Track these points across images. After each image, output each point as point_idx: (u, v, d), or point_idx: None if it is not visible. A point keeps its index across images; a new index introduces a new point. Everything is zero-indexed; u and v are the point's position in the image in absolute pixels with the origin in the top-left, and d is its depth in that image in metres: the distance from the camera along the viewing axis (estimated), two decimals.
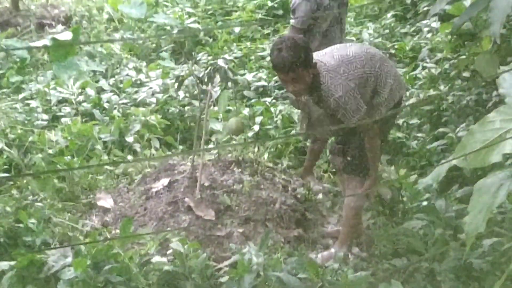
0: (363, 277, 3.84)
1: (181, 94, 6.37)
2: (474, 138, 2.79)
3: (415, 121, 5.58)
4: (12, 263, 3.95)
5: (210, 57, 6.93)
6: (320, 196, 5.05)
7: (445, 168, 3.22)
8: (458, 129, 5.19)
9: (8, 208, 4.52)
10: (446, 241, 4.12)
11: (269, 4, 8.45)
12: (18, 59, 7.17)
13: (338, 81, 3.74)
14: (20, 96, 6.44)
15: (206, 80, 4.94)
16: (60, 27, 8.35)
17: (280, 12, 8.40)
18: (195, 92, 6.21)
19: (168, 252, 4.05)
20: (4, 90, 6.85)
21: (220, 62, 4.98)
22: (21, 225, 4.40)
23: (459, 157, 2.83)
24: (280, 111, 5.89)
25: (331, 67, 3.78)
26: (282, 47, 3.61)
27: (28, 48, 7.34)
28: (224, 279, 3.89)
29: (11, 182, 4.94)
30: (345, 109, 3.75)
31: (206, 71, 4.97)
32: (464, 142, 2.83)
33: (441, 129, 5.37)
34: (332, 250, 4.35)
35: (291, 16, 5.21)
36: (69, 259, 3.88)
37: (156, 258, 3.96)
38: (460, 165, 3.01)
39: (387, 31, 7.19)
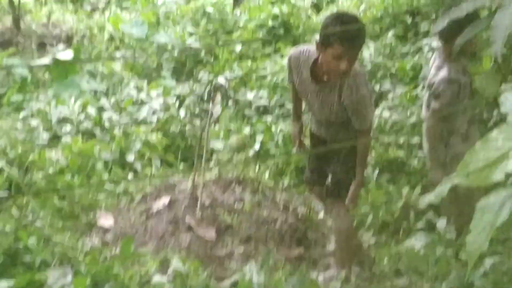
0: None
1: (182, 113, 6.38)
2: (476, 156, 2.78)
3: (416, 140, 5.58)
4: (11, 282, 3.94)
5: (211, 76, 6.94)
6: (321, 215, 5.03)
7: (447, 187, 3.21)
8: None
9: (7, 227, 4.51)
10: (448, 260, 4.11)
11: (270, 23, 8.48)
12: (19, 78, 7.19)
13: (365, 83, 3.83)
14: (21, 115, 6.44)
15: (206, 99, 4.97)
16: (61, 46, 8.36)
17: (281, 31, 8.42)
18: (196, 111, 6.23)
19: (169, 271, 4.04)
20: (5, 109, 6.86)
21: (221, 81, 5.00)
22: (20, 244, 4.39)
23: (460, 175, 2.82)
24: (281, 130, 5.90)
25: (360, 70, 3.86)
26: (353, 18, 3.65)
27: (29, 67, 7.36)
28: None
29: (11, 201, 4.93)
30: (365, 109, 3.82)
31: (207, 90, 5.00)
32: (466, 161, 2.82)
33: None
34: (333, 270, 4.33)
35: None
36: (68, 279, 3.87)
37: (156, 278, 3.95)
38: (462, 184, 3.00)
39: (387, 50, 7.21)
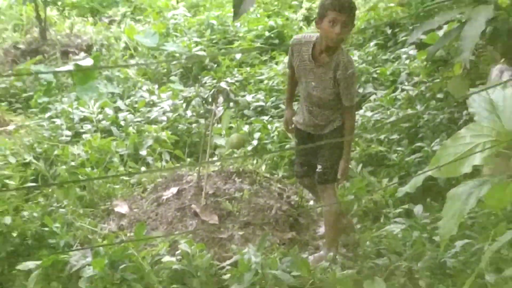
0: (349, 275, 3.84)
1: (189, 113, 6.37)
2: (447, 151, 2.79)
3: (395, 136, 5.57)
4: (38, 262, 3.94)
5: (214, 81, 6.92)
6: (312, 202, 5.03)
7: (421, 178, 3.20)
8: (433, 143, 5.19)
9: (35, 214, 4.52)
10: (423, 242, 4.11)
11: (266, 34, 8.48)
12: (45, 82, 7.18)
13: (353, 66, 4.03)
14: (47, 115, 6.44)
15: (210, 100, 4.95)
16: (82, 54, 8.36)
17: (276, 41, 8.42)
18: (201, 111, 6.22)
19: (177, 252, 4.03)
20: (33, 109, 6.85)
21: (223, 84, 4.99)
22: (46, 228, 4.39)
23: (434, 168, 2.82)
24: (276, 127, 5.89)
25: (350, 57, 4.07)
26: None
27: (54, 73, 7.35)
28: (226, 276, 3.88)
29: (38, 191, 4.94)
30: (353, 85, 3.98)
31: (211, 93, 4.98)
32: (438, 155, 2.82)
33: (418, 144, 5.37)
34: (322, 252, 4.33)
35: None
36: (88, 259, 3.87)
37: (166, 258, 3.95)
38: (435, 175, 3.00)
39: (370, 58, 7.19)
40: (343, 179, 4.33)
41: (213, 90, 4.99)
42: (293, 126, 4.43)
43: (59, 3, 9.60)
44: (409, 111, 5.87)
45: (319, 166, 4.19)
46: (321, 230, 4.68)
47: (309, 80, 4.05)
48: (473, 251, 3.80)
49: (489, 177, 2.72)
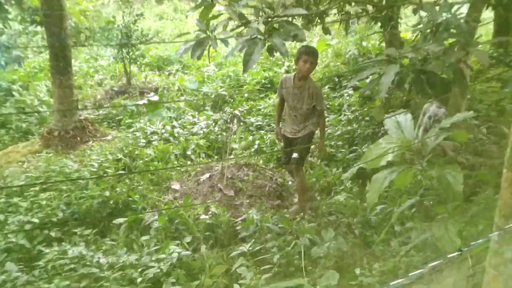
0: (313, 227, 3.84)
1: (216, 129, 6.38)
2: (372, 152, 2.80)
3: (340, 143, 5.59)
4: (125, 219, 3.95)
5: (231, 109, 6.93)
6: (290, 183, 5.04)
7: (356, 169, 3.22)
8: (363, 147, 5.20)
9: (123, 190, 4.53)
10: (357, 207, 4.11)
11: (263, 81, 8.50)
12: (129, 110, 7.20)
13: (318, 86, 4.24)
14: (131, 130, 6.45)
15: (229, 121, 4.96)
16: (152, 94, 8.37)
17: (269, 85, 8.43)
18: (224, 128, 6.22)
19: (209, 213, 4.04)
20: (122, 127, 6.86)
21: (237, 112, 4.99)
22: (130, 198, 4.41)
23: (363, 162, 2.83)
24: (269, 137, 5.90)
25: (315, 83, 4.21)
26: (311, 47, 3.98)
27: (135, 105, 7.36)
28: (239, 228, 3.89)
29: (126, 176, 4.96)
30: (321, 96, 4.09)
31: (229, 117, 4.99)
32: (366, 154, 2.83)
33: (353, 147, 5.38)
34: (294, 207, 4.33)
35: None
36: (156, 217, 3.88)
37: (202, 217, 3.96)
38: (364, 166, 3.01)
39: (325, 95, 7.21)
40: (323, 154, 4.43)
41: (230, 115, 5.00)
42: (280, 136, 4.45)
43: (138, 62, 9.61)
44: (349, 127, 5.88)
45: (294, 155, 4.21)
46: (295, 199, 4.70)
47: (293, 98, 4.14)
48: (387, 212, 3.81)
49: (396, 167, 2.73)
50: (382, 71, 3.79)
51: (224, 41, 2.61)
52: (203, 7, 2.76)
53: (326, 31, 4.19)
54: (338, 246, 3.44)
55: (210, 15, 2.75)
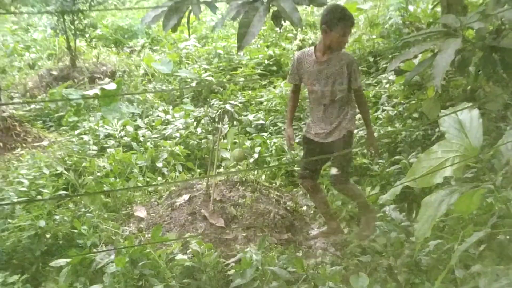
0: (338, 271, 3.83)
1: (199, 130, 6.40)
2: (422, 164, 2.80)
3: None
4: (68, 260, 3.94)
5: (220, 102, 6.95)
6: (305, 208, 5.03)
7: (399, 188, 3.22)
8: (409, 156, 5.20)
9: (65, 218, 4.53)
10: (401, 243, 4.11)
11: (266, 62, 8.52)
12: (74, 104, 7.22)
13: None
14: (76, 132, 6.47)
15: (217, 119, 4.97)
16: (107, 79, 8.40)
17: (274, 68, 8.45)
18: (209, 129, 6.23)
19: (188, 251, 4.03)
20: (64, 127, 6.89)
21: (228, 106, 5.00)
22: (75, 231, 4.40)
23: (410, 179, 2.83)
24: (274, 143, 5.91)
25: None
26: (345, 9, 3.98)
27: (82, 95, 7.38)
28: (231, 272, 3.87)
29: (69, 198, 4.94)
30: (358, 68, 4.14)
31: (217, 113, 5.00)
32: (414, 168, 2.83)
33: (396, 157, 5.37)
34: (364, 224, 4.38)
35: None
36: (112, 257, 3.87)
37: (179, 256, 3.95)
38: (411, 185, 3.00)
39: None
40: (375, 150, 4.45)
41: (219, 110, 5.01)
42: (293, 141, 4.43)
43: (87, 35, 9.65)
44: (389, 128, 5.88)
45: (333, 170, 4.19)
46: (313, 231, 4.68)
47: (319, 80, 4.10)
48: (445, 250, 3.80)
49: (458, 187, 2.73)
50: (437, 48, 3.82)
51: (211, 6, 2.62)
52: None
53: None
54: None
55: None
